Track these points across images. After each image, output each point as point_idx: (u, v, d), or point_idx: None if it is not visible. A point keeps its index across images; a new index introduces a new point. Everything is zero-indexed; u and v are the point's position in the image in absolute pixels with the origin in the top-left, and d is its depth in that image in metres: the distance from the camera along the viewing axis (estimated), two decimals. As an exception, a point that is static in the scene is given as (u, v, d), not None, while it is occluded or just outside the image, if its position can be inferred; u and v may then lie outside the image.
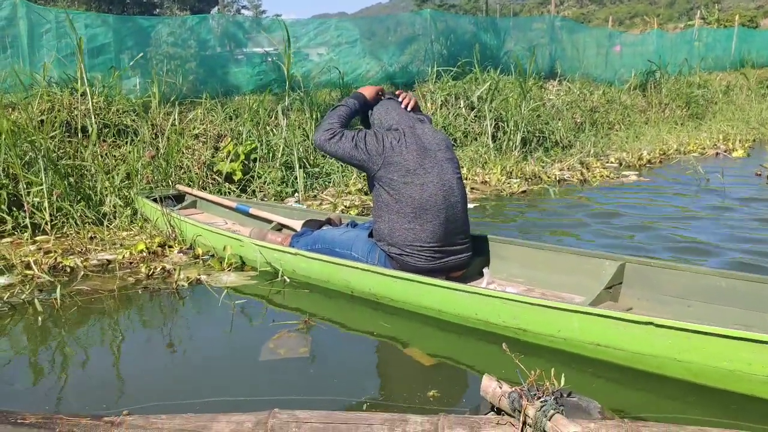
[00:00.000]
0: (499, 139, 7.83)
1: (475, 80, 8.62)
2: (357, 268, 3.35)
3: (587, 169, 7.30)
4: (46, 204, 4.65)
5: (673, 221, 5.16)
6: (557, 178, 6.88)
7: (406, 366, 2.77)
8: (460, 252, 3.37)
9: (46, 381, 2.68)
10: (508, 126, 7.84)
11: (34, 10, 6.25)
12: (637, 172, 7.38)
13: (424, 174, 3.22)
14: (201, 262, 4.11)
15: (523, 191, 6.36)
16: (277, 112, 6.59)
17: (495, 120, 7.94)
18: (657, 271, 3.13)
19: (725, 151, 8.83)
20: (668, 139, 9.21)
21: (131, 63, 6.31)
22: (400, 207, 3.23)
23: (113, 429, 2.17)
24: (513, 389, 2.04)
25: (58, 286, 3.48)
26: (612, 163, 7.89)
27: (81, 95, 5.57)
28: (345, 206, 5.55)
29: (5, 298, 3.44)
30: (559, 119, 8.98)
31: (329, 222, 4.08)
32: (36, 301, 3.38)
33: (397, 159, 3.22)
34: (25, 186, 4.67)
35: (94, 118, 5.48)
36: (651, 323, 2.46)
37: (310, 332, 3.09)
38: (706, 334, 2.36)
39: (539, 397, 1.99)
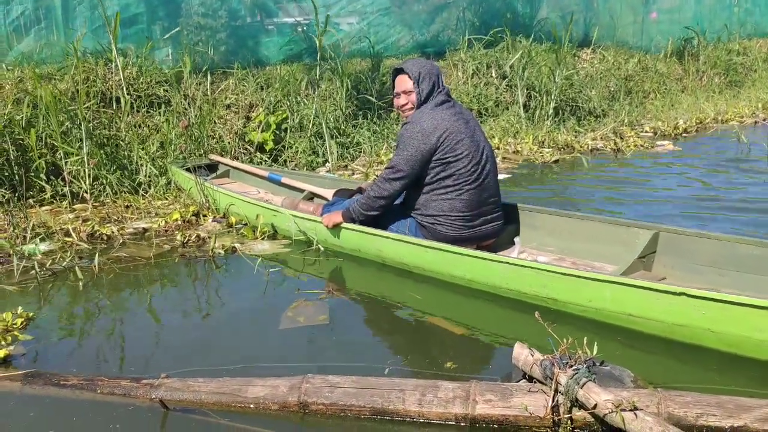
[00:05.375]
0: (532, 108, 7.73)
1: (508, 49, 8.49)
2: (388, 237, 3.36)
3: (621, 138, 7.17)
4: (83, 173, 4.74)
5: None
6: (590, 148, 6.79)
7: (435, 334, 2.79)
8: (492, 220, 3.37)
9: (86, 345, 2.76)
10: (540, 95, 7.73)
11: (67, -19, 6.28)
12: (672, 141, 7.24)
13: (462, 145, 3.21)
14: (234, 230, 4.16)
15: (556, 161, 6.29)
16: (307, 82, 6.59)
17: (527, 89, 7.83)
18: (691, 239, 3.08)
19: (764, 120, 8.61)
20: (705, 108, 8.99)
21: (166, 36, 6.33)
22: (438, 178, 3.24)
23: (152, 391, 2.24)
24: (545, 357, 2.05)
25: (97, 253, 3.56)
26: (647, 132, 7.73)
27: (115, 66, 5.63)
28: (376, 176, 5.53)
29: (47, 265, 3.53)
30: (593, 88, 8.82)
31: (360, 191, 4.09)
32: (76, 267, 3.47)
33: (444, 140, 3.21)
34: (63, 155, 4.76)
35: (128, 88, 5.54)
36: (684, 294, 2.44)
37: (333, 301, 3.12)
38: (739, 304, 2.34)
39: (571, 365, 1.99)
